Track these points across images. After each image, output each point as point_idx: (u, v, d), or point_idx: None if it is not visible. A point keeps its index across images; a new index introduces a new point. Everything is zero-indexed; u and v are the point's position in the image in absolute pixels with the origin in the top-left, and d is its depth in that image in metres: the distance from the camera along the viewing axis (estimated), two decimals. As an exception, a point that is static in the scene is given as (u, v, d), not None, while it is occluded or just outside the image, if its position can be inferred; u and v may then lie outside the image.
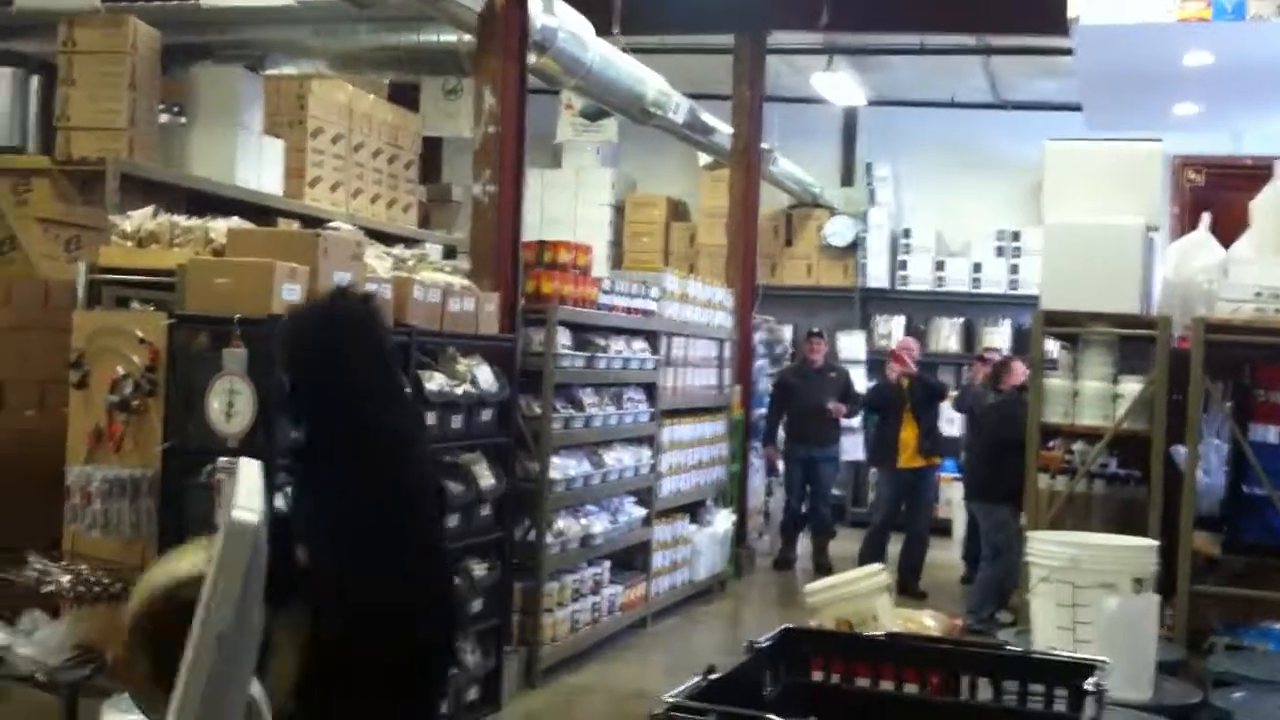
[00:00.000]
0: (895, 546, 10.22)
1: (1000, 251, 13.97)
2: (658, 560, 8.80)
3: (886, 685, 3.00)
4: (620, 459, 8.12)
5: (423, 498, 3.75)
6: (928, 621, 5.04)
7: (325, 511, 3.49)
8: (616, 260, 13.88)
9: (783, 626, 2.93)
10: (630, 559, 8.54)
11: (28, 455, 6.70)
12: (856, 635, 3.53)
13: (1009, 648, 3.24)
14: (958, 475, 11.12)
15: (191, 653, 1.30)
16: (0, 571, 5.05)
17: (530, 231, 7.84)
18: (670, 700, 2.19)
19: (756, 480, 11.41)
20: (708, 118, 10.91)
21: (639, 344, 8.54)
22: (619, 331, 8.30)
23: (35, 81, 7.73)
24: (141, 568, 4.91)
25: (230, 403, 4.82)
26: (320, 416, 3.60)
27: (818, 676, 2.99)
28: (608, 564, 8.06)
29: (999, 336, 13.57)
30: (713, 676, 2.50)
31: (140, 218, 5.56)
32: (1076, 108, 8.42)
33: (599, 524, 7.79)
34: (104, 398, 5.05)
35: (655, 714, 2.16)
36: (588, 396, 7.83)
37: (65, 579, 4.82)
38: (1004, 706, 2.93)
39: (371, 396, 3.59)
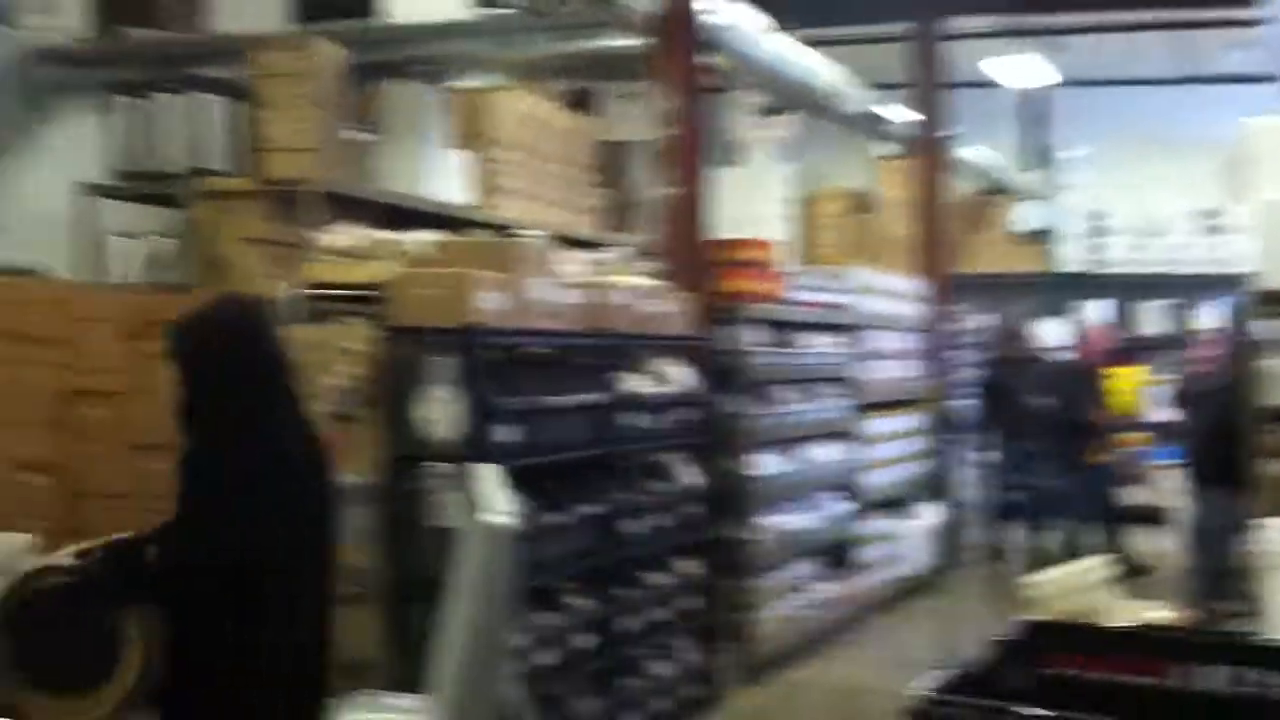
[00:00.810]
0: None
1: (1200, 230, 13.44)
2: (867, 555, 8.71)
3: (1128, 677, 2.91)
4: (819, 454, 8.06)
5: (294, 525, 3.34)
6: (1156, 614, 4.84)
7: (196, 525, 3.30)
8: (800, 255, 13.78)
9: (1024, 619, 2.85)
10: (840, 555, 8.48)
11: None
12: (1102, 628, 3.42)
13: (1249, 638, 3.12)
14: (1178, 461, 10.73)
15: (447, 642, 1.31)
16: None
17: (714, 230, 7.84)
18: (923, 692, 2.14)
19: (962, 472, 11.19)
20: (886, 108, 10.76)
21: (832, 338, 8.47)
22: (811, 327, 8.23)
23: (237, 106, 8.01)
24: (364, 571, 5.06)
25: (439, 410, 4.91)
26: (202, 424, 3.38)
27: (1057, 669, 2.91)
28: (817, 560, 8.01)
29: (1206, 317, 13.03)
30: (957, 669, 2.44)
31: (345, 234, 5.72)
32: (1270, 79, 8.06)
33: (804, 520, 7.75)
34: (320, 409, 5.18)
35: (910, 706, 2.11)
36: (783, 392, 7.78)
37: (292, 585, 4.96)
38: (1247, 695, 2.82)
39: (250, 411, 3.36)
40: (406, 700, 4.66)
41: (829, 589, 8.09)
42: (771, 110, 11.53)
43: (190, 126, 7.93)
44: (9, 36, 8.60)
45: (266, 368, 3.44)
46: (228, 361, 3.40)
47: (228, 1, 8.39)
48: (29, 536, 6.39)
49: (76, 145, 9.26)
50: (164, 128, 8.00)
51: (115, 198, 8.38)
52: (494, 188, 8.54)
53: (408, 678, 4.97)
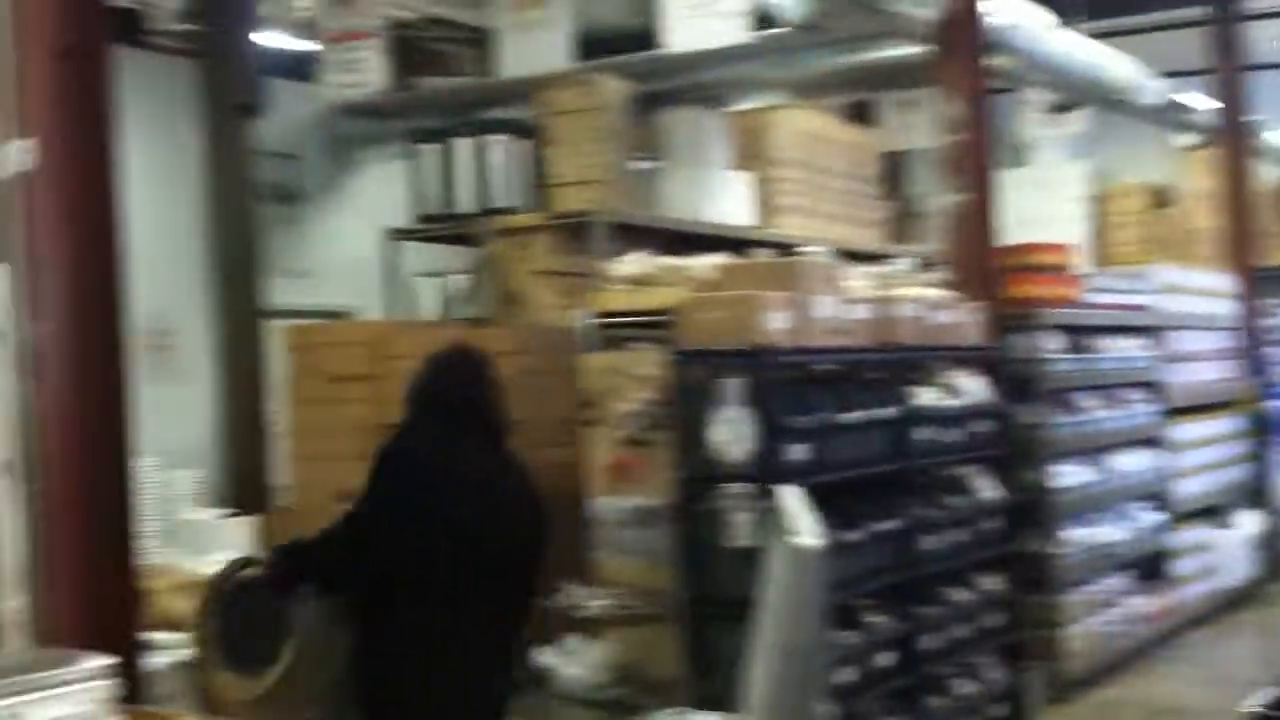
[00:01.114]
0: None
1: None
2: (1181, 568, 8.28)
3: None
4: (1125, 463, 7.72)
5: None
6: None
7: None
8: (1096, 256, 13.25)
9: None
10: (1152, 568, 8.10)
11: (553, 490, 7.21)
12: None
13: None
14: None
15: (758, 663, 1.33)
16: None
17: (1003, 235, 7.64)
18: (1255, 710, 2.04)
19: (1281, 477, 10.50)
20: (1184, 96, 10.25)
21: (1134, 341, 8.11)
22: (1111, 330, 7.91)
23: (524, 145, 8.32)
24: (666, 591, 5.17)
25: (732, 431, 4.96)
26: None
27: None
28: (1127, 573, 7.68)
29: None
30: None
31: (632, 262, 5.85)
32: None
33: (1112, 532, 7.45)
34: (616, 433, 5.33)
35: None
36: (1083, 400, 7.50)
37: (600, 604, 5.12)
38: None
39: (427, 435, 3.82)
40: (710, 718, 4.72)
41: (1141, 603, 7.72)
42: (1060, 107, 11.17)
43: (482, 168, 8.30)
44: (316, 95, 9.21)
45: (458, 401, 3.89)
46: (426, 391, 3.91)
47: (514, 47, 8.72)
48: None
49: (381, 192, 9.84)
50: (459, 171, 8.39)
51: (417, 240, 8.85)
52: (776, 207, 8.59)
53: (708, 696, 5.04)
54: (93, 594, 2.98)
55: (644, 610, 5.14)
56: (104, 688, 2.44)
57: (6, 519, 3.32)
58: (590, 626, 5.36)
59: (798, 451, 5.08)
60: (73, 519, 3.02)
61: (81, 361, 3.15)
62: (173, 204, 8.55)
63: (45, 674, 2.44)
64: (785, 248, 7.68)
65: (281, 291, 9.48)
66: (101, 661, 2.49)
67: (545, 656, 5.31)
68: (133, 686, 2.54)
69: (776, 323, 5.04)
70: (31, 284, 3.16)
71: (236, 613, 3.77)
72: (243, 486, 8.74)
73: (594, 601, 5.16)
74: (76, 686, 2.42)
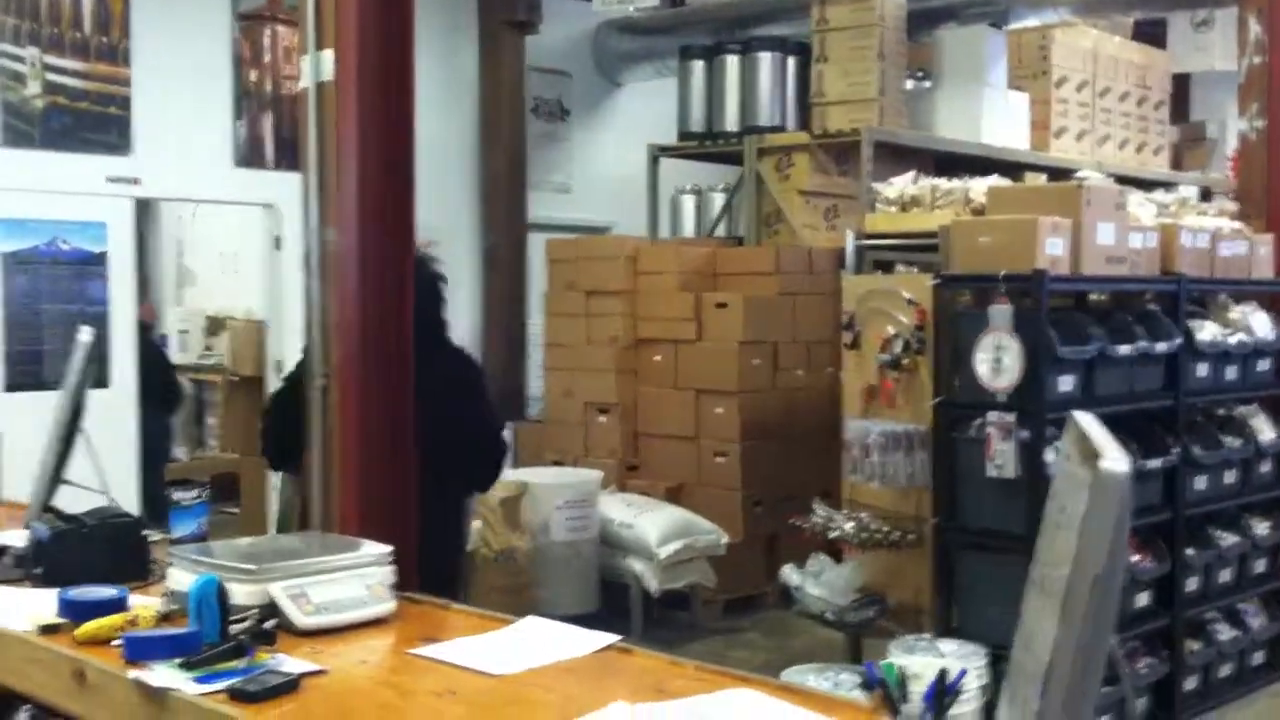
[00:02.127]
0: None
1: None
2: None
3: None
4: None
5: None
6: None
7: None
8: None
9: None
10: None
11: (799, 411, 7.23)
12: None
13: None
14: None
15: (1068, 596, 1.31)
16: (792, 517, 5.46)
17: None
18: None
19: None
20: None
21: None
22: None
23: (792, 63, 8.23)
24: (918, 517, 5.11)
25: (997, 359, 4.83)
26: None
27: None
28: None
29: None
30: None
31: (901, 183, 5.73)
32: None
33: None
34: (875, 357, 5.26)
35: None
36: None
37: (849, 526, 5.11)
38: None
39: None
40: (955, 645, 4.67)
41: None
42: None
43: (748, 85, 8.25)
44: (588, 11, 9.31)
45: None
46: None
47: (786, -40, 8.61)
48: (599, 473, 7.00)
49: (645, 110, 9.91)
50: (725, 88, 8.37)
51: (680, 157, 8.90)
52: (1056, 129, 8.26)
53: (954, 624, 4.99)
54: (371, 487, 3.14)
55: (894, 535, 5.10)
56: (381, 573, 2.58)
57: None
58: (836, 547, 5.35)
59: (1065, 383, 4.92)
60: (358, 416, 3.17)
61: (372, 267, 3.28)
62: (444, 117, 8.81)
63: (329, 557, 2.59)
64: (1062, 172, 7.40)
65: (544, 206, 9.70)
66: (381, 549, 2.63)
67: (791, 574, 5.34)
68: (405, 576, 2.66)
69: (1052, 249, 4.86)
70: (324, 191, 3.31)
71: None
72: (498, 395, 9.06)
73: (844, 523, 5.15)
74: (357, 570, 2.56)
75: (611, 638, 2.48)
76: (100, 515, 2.78)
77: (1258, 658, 6.02)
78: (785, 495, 6.83)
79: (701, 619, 6.93)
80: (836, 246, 7.51)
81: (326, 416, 3.28)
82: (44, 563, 2.66)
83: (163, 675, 2.10)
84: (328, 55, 3.26)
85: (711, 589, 6.91)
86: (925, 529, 5.12)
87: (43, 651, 2.31)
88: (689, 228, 9.12)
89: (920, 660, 4.38)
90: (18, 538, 2.84)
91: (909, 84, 8.01)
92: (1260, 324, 5.94)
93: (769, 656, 6.09)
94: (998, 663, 4.50)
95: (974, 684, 4.35)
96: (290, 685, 2.08)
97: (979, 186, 5.51)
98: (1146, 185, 7.81)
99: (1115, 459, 1.29)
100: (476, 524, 5.84)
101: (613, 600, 6.66)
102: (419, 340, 3.54)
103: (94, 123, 7.24)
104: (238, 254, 10.15)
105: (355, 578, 2.54)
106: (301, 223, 3.42)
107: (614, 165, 9.88)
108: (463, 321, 9.22)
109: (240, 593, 2.36)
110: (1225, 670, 5.80)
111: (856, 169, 7.45)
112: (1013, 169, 7.67)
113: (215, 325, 9.87)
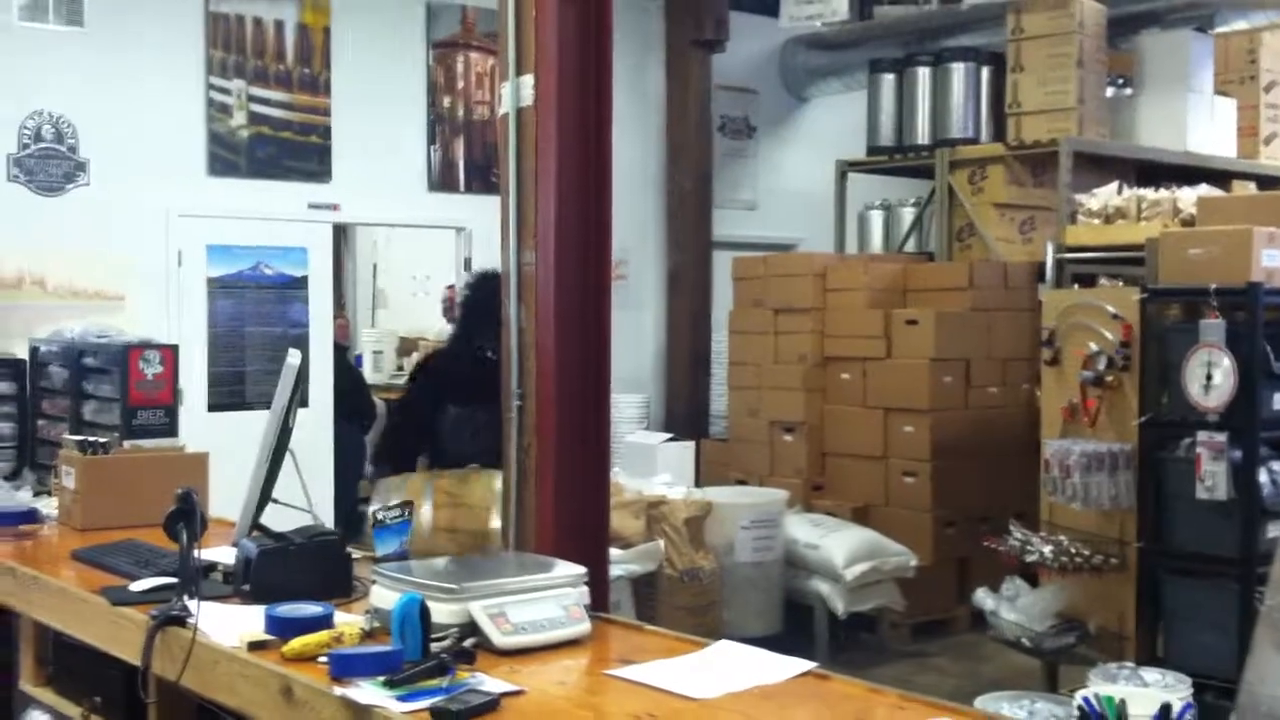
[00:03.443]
0: None
1: None
2: None
3: None
4: None
5: None
6: None
7: None
8: None
9: None
10: None
11: (994, 430, 7.03)
12: None
13: None
14: None
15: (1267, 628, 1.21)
16: (986, 539, 5.30)
17: None
18: None
19: None
20: None
21: None
22: None
23: (985, 73, 8.05)
24: (1121, 540, 4.91)
25: (1208, 374, 4.62)
26: None
27: None
28: None
29: None
30: None
31: (1105, 194, 5.55)
32: None
33: None
34: (1077, 373, 5.09)
35: None
36: None
37: (1047, 549, 4.94)
38: None
39: None
40: (1159, 674, 4.46)
41: None
42: None
43: (940, 97, 8.10)
44: (774, 28, 9.27)
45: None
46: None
47: (978, -30, 8.43)
48: (784, 492, 6.92)
49: (833, 124, 9.81)
50: (915, 100, 8.23)
51: (868, 171, 8.78)
52: (1265, 135, 7.90)
53: (1160, 652, 4.77)
54: (566, 508, 3.15)
55: (1095, 558, 4.91)
56: (577, 594, 2.57)
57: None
58: (1032, 570, 5.18)
59: (1281, 401, 4.69)
60: (555, 437, 3.19)
61: (570, 290, 3.30)
62: (632, 136, 8.88)
63: (527, 577, 2.60)
64: (1273, 180, 7.07)
65: (731, 223, 9.68)
66: (576, 570, 2.63)
67: (986, 598, 5.19)
68: (598, 596, 2.66)
69: (1269, 261, 4.64)
70: (522, 214, 3.34)
71: None
72: (683, 413, 9.05)
73: (1042, 546, 4.97)
74: (554, 591, 2.56)
75: (808, 664, 2.43)
76: (306, 533, 2.85)
77: None
78: (978, 517, 6.65)
79: (889, 642, 6.79)
80: (1032, 261, 7.30)
81: (523, 436, 3.30)
82: (252, 580, 2.73)
83: (368, 693, 2.13)
84: (527, 80, 3.30)
85: (899, 612, 6.76)
86: (1128, 553, 4.92)
87: (252, 668, 2.37)
88: (877, 243, 8.99)
89: (1125, 689, 4.19)
90: (226, 555, 2.93)
91: (1109, 91, 7.75)
92: None
93: (959, 682, 5.93)
94: (1203, 692, 4.29)
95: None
96: (491, 705, 2.09)
97: (1188, 197, 5.30)
98: (1367, 192, 7.41)
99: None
100: (660, 543, 5.84)
101: (797, 622, 6.57)
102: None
103: (296, 151, 7.50)
104: (430, 276, 10.40)
105: (552, 598, 2.54)
106: (499, 246, 3.46)
107: (801, 181, 9.80)
108: (648, 341, 9.27)
109: (441, 611, 2.38)
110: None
111: (1054, 180, 7.22)
112: (1220, 178, 7.36)
113: (408, 345, 10.12)
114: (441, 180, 8.18)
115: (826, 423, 7.57)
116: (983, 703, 4.54)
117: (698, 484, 7.35)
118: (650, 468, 7.35)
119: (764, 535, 6.51)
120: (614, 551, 5.28)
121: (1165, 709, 1.88)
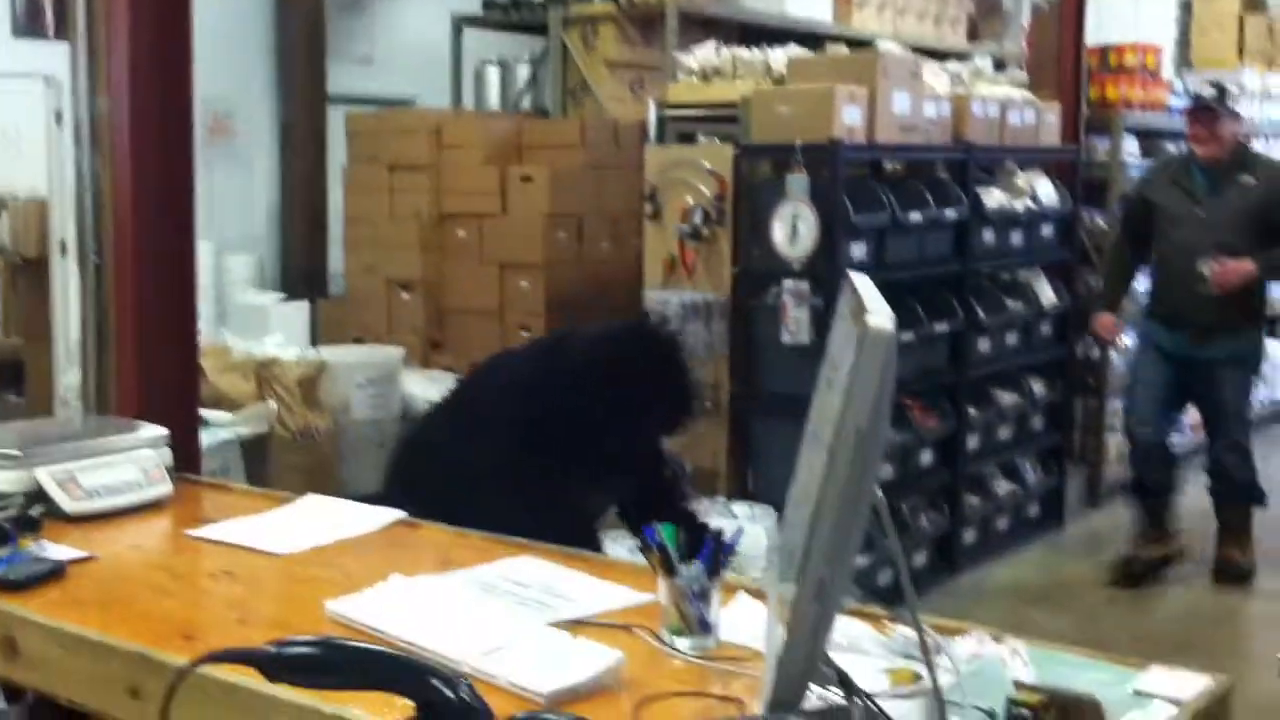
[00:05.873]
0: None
1: None
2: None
3: None
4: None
5: None
6: None
7: None
8: (1184, 60, 12.76)
9: None
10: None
11: (605, 284, 7.23)
12: None
13: None
14: None
15: (834, 447, 1.35)
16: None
17: (1090, 35, 7.36)
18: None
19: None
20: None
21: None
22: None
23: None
24: (714, 385, 5.19)
25: (794, 227, 4.90)
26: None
27: None
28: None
29: None
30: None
31: (704, 53, 5.71)
32: None
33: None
34: (676, 227, 5.29)
35: None
36: (1158, 208, 7.31)
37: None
38: None
39: None
40: (747, 507, 4.81)
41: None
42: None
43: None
44: None
45: None
46: None
47: None
48: (400, 350, 6.92)
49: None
50: (531, -46, 8.16)
51: (484, 27, 8.69)
52: (855, 1, 8.31)
53: (749, 487, 5.14)
54: (151, 368, 3.03)
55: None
56: (157, 456, 2.51)
57: (69, 296, 3.37)
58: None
59: (858, 250, 5.04)
60: (134, 295, 3.04)
61: (145, 138, 3.13)
62: (237, -17, 8.43)
63: (101, 440, 2.50)
64: (862, 43, 7.46)
65: (347, 78, 9.40)
66: (157, 431, 2.55)
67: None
68: (187, 458, 2.59)
69: (849, 118, 4.92)
70: (93, 60, 3.13)
71: None
72: (298, 272, 8.85)
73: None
74: (131, 453, 2.48)
75: (398, 514, 2.47)
76: None
77: (1033, 510, 6.36)
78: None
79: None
80: (643, 119, 7.47)
81: (101, 297, 3.14)
82: None
83: (-84, 567, 2.01)
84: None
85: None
86: (722, 396, 5.21)
87: None
88: (494, 100, 8.94)
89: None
90: None
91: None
92: (1044, 190, 6.15)
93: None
94: (789, 521, 4.64)
95: (763, 543, 4.47)
96: (55, 571, 2.02)
97: (779, 56, 5.53)
98: (943, 56, 7.96)
99: (881, 316, 1.32)
100: (271, 403, 5.74)
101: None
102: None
103: None
104: (19, 130, 9.60)
105: (129, 461, 2.46)
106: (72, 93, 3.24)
107: (417, 35, 9.60)
108: (261, 199, 8.94)
109: (4, 480, 2.27)
110: (1002, 523, 6.11)
111: (662, 40, 7.38)
112: (815, 40, 7.71)
113: (-5, 204, 9.36)
114: (27, 25, 7.51)
115: (444, 280, 7.56)
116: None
117: (314, 344, 7.21)
118: (263, 329, 7.16)
119: (380, 393, 6.50)
120: (221, 414, 5.15)
121: (718, 534, 2.02)
